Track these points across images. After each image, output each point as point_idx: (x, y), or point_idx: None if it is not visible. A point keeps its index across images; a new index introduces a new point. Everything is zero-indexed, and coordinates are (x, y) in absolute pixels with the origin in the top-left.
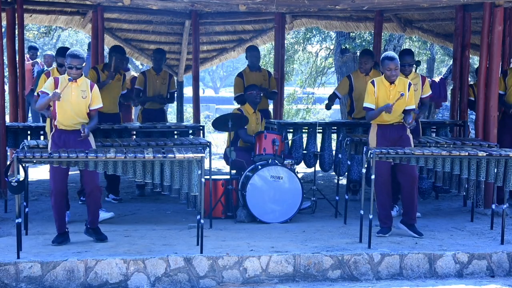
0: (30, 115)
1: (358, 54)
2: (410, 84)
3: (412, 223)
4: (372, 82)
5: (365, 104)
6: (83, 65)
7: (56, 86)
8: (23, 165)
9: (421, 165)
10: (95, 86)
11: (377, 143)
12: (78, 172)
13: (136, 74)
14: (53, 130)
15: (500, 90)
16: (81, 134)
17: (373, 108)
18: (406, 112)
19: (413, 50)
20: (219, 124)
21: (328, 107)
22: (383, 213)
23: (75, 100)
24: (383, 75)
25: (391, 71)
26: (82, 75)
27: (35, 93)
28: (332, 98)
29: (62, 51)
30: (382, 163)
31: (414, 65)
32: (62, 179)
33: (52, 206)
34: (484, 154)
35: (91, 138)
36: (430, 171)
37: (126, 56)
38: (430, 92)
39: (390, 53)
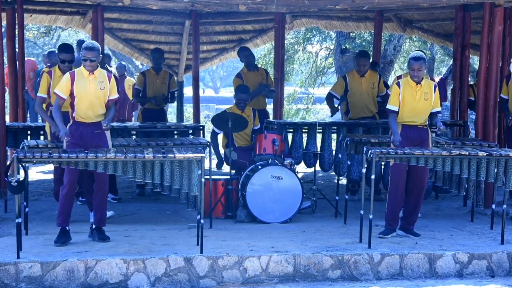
0: (28, 115)
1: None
2: (435, 86)
3: (410, 227)
4: (398, 84)
5: (388, 106)
6: (100, 57)
7: (72, 82)
8: (23, 165)
9: (421, 165)
10: (112, 77)
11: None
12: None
13: (133, 80)
14: (71, 122)
15: (503, 94)
16: (103, 127)
17: (395, 111)
18: (432, 115)
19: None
20: (220, 121)
21: (333, 111)
22: (391, 214)
23: (93, 92)
24: (408, 75)
25: (414, 71)
26: (98, 66)
27: (38, 94)
28: (330, 99)
29: (63, 48)
30: (399, 165)
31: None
32: (75, 173)
33: (61, 200)
34: (484, 154)
35: (108, 133)
36: (430, 171)
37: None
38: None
39: (417, 53)
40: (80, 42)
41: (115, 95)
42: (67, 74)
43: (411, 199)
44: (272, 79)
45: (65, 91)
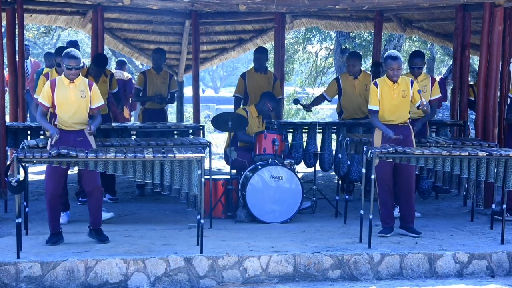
0: (28, 115)
1: None
2: (412, 82)
3: (410, 226)
4: (375, 83)
5: (369, 106)
6: (81, 65)
7: (52, 90)
8: (23, 165)
9: (421, 165)
10: (94, 85)
11: (381, 143)
12: (76, 172)
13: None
14: None
15: (511, 94)
16: (88, 131)
17: (376, 110)
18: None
19: (423, 52)
20: (219, 122)
21: (308, 108)
22: (385, 212)
23: (74, 101)
24: (386, 74)
25: (393, 70)
26: (79, 75)
27: (35, 96)
28: (318, 100)
29: (61, 51)
30: (384, 162)
31: (423, 68)
32: (59, 180)
33: (47, 207)
34: (484, 154)
35: (91, 138)
36: (430, 171)
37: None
38: (440, 94)
39: (394, 52)
40: (71, 43)
41: (99, 103)
42: (48, 83)
43: (402, 198)
44: (279, 87)
45: (47, 99)
